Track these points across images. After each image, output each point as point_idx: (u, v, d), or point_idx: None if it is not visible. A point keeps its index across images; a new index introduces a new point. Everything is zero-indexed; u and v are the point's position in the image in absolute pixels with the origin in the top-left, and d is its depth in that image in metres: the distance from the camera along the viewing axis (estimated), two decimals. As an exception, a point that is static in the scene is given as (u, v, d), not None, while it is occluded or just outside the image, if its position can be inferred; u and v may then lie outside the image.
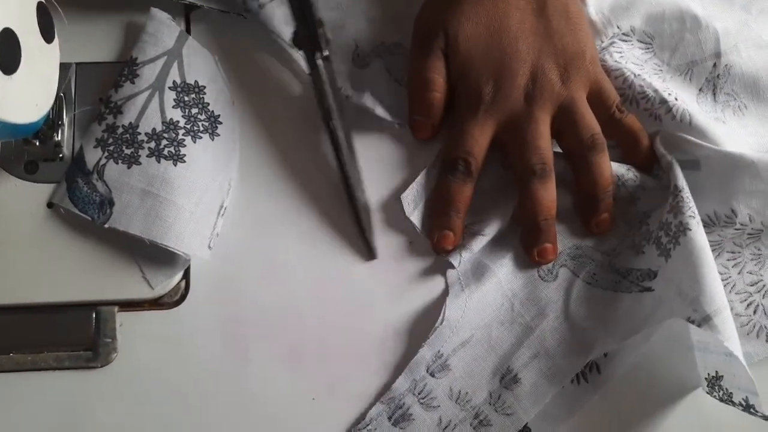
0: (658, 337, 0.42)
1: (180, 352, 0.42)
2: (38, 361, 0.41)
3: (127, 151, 0.42)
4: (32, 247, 0.42)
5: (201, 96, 0.44)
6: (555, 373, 0.42)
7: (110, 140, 0.43)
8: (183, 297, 0.43)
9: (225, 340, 0.42)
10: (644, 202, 0.45)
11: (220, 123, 0.44)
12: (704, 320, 0.38)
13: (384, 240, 0.44)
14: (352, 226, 0.44)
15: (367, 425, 0.41)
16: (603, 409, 0.42)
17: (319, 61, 0.42)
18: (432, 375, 0.42)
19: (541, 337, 0.43)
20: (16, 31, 0.32)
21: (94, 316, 0.42)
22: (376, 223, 0.45)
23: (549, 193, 0.43)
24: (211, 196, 0.43)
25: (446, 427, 0.41)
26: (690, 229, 0.40)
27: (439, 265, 0.44)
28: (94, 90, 0.44)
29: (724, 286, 0.42)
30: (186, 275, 0.43)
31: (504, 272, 0.44)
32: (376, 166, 0.45)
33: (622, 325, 0.42)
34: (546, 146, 0.43)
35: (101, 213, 0.41)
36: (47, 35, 0.36)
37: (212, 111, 0.44)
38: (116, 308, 0.42)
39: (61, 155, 0.43)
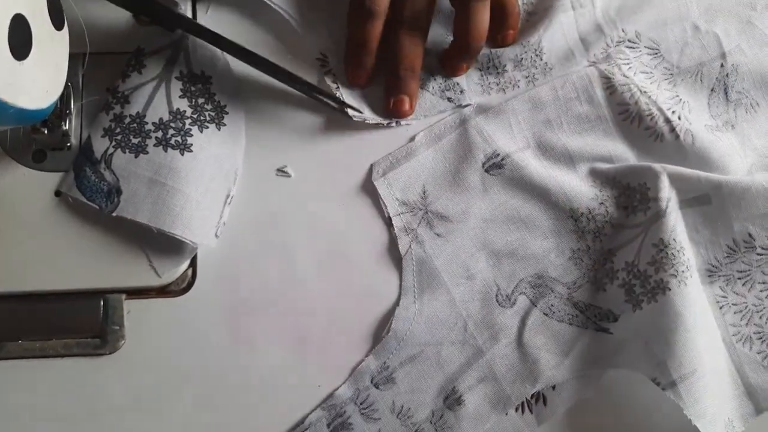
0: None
1: (187, 339, 0.42)
2: (47, 348, 0.41)
3: (135, 141, 0.43)
4: (40, 236, 0.42)
5: (207, 86, 0.45)
6: (500, 399, 0.42)
7: (118, 130, 0.43)
8: (190, 285, 0.43)
9: (231, 328, 0.42)
10: (611, 238, 0.44)
11: (227, 113, 0.45)
12: (669, 385, 0.38)
13: (387, 234, 0.45)
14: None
15: (305, 429, 0.41)
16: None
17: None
18: (376, 386, 0.42)
19: (490, 362, 0.43)
20: (27, 17, 0.33)
21: (102, 303, 0.42)
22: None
23: (415, 46, 0.44)
24: (218, 185, 0.43)
25: None
26: (670, 289, 0.40)
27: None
28: (102, 80, 0.44)
29: (760, 317, 0.42)
30: (193, 263, 0.43)
31: (460, 292, 0.44)
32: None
33: (573, 360, 0.43)
34: (420, 2, 0.44)
35: (109, 201, 0.42)
36: (57, 22, 0.36)
37: (218, 101, 0.45)
38: (124, 296, 0.42)
39: (68, 144, 0.43)
